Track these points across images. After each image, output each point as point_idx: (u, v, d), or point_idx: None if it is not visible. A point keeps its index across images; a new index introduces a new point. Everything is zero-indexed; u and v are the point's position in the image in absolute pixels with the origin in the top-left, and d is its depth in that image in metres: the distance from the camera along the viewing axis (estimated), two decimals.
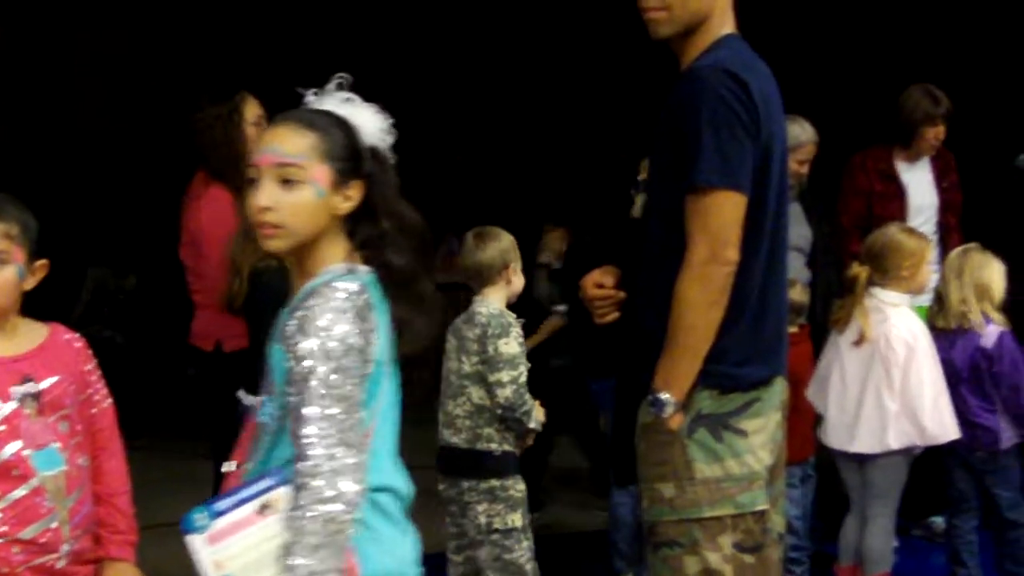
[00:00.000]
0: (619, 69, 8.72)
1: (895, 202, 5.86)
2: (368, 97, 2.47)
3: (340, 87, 2.45)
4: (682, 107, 2.90)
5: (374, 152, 2.42)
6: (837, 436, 4.67)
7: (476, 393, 4.33)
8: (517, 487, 4.33)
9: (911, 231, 4.89)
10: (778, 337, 3.11)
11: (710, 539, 2.96)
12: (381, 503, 2.31)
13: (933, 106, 5.75)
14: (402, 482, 2.39)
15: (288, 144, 2.32)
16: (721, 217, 2.84)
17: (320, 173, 2.32)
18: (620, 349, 3.18)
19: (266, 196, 2.31)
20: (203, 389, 4.55)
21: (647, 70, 3.54)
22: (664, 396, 2.90)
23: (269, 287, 3.96)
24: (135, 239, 9.63)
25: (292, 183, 2.31)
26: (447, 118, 10.71)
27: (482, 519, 4.31)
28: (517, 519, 4.31)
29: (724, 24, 3.05)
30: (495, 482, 4.32)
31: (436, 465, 4.55)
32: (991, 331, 4.72)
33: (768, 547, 3.07)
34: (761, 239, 2.95)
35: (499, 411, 4.26)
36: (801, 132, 5.39)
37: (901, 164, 5.91)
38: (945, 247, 5.91)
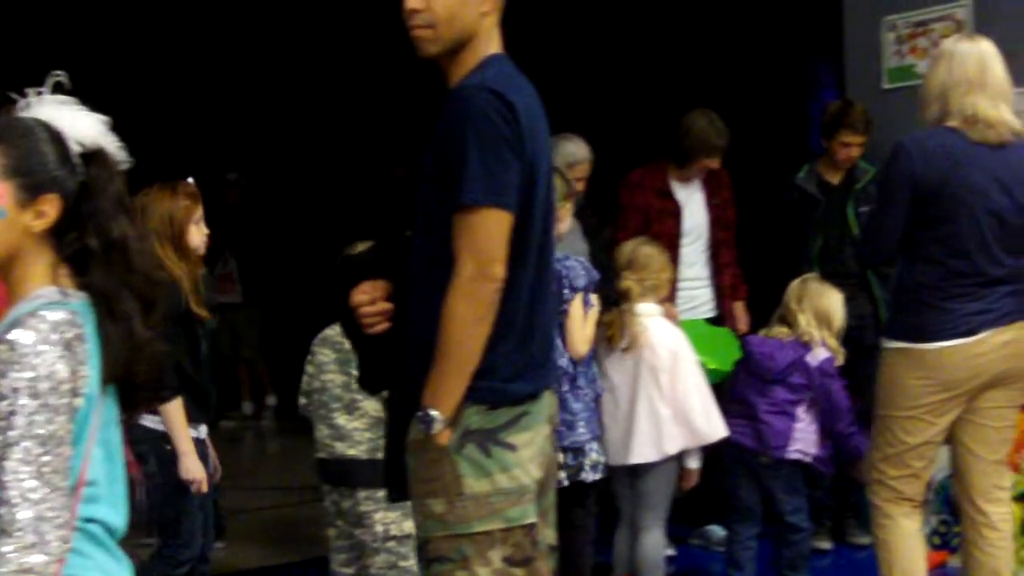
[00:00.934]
0: (397, 87, 8.73)
1: (671, 219, 6.00)
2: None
3: (58, 88, 2.28)
4: (448, 126, 2.91)
5: (93, 159, 2.24)
6: (614, 451, 4.75)
7: (372, 406, 4.38)
8: None
9: (655, 243, 5.04)
10: (546, 352, 3.15)
11: (480, 554, 2.97)
12: (96, 534, 2.18)
13: (716, 138, 5.88)
14: (118, 516, 2.25)
15: None
16: (487, 235, 2.86)
17: None
18: (391, 365, 3.18)
19: None
20: None
21: (424, 88, 3.54)
22: (432, 412, 2.91)
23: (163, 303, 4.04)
24: None
25: None
26: (220, 136, 10.55)
27: (379, 527, 4.41)
28: (411, 526, 4.38)
29: (491, 44, 3.08)
30: None
31: (323, 479, 4.65)
32: (820, 352, 4.88)
33: (538, 560, 3.10)
34: (528, 256, 2.98)
35: None
36: (576, 150, 5.50)
37: (675, 183, 6.04)
38: (717, 263, 6.10)
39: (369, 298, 3.18)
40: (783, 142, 7.93)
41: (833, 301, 4.96)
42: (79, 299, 2.19)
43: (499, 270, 2.87)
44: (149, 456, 4.28)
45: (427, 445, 2.97)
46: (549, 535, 3.25)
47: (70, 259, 2.22)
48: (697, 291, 6.00)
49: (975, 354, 4.05)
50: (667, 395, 4.68)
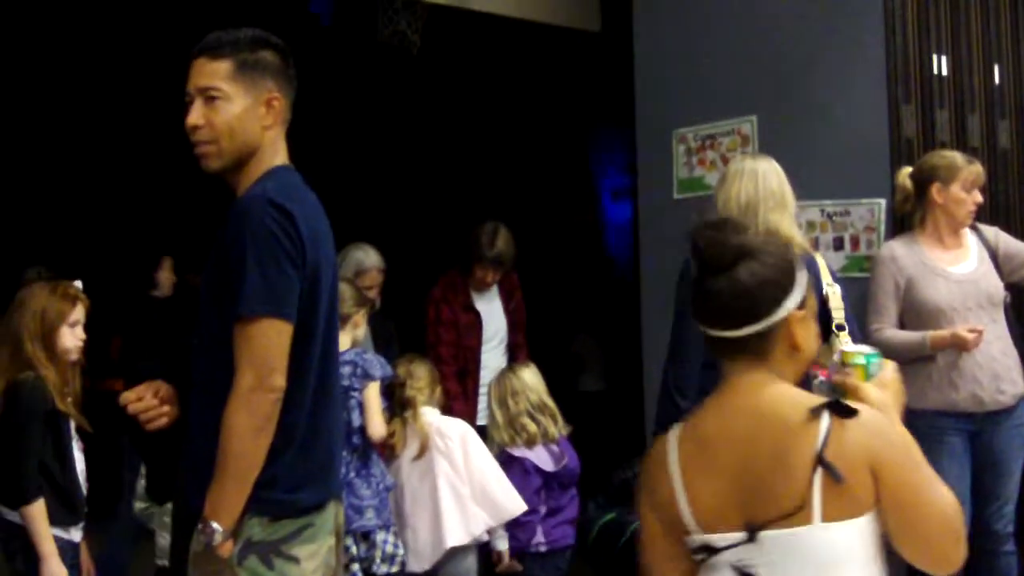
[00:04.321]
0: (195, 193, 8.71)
1: (473, 332, 6.08)
2: None
3: None
4: (228, 236, 2.92)
5: None
6: (431, 550, 4.77)
7: None
8: None
9: (424, 360, 5.24)
10: (330, 461, 3.13)
11: None
12: None
13: (487, 249, 5.98)
14: None
15: None
16: (266, 345, 2.86)
17: None
18: (174, 475, 3.14)
19: None
20: None
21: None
22: (214, 524, 2.87)
23: (28, 400, 4.18)
24: None
25: None
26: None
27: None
28: None
29: (276, 155, 3.11)
30: None
31: None
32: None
33: None
34: (309, 366, 2.99)
35: None
36: (365, 258, 5.55)
37: (474, 293, 6.13)
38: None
39: (136, 396, 3.14)
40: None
41: (540, 383, 5.26)
42: None
43: (278, 380, 2.87)
44: (17, 554, 4.18)
45: (209, 557, 2.93)
46: None
47: None
48: None
49: None
50: (463, 475, 4.78)
